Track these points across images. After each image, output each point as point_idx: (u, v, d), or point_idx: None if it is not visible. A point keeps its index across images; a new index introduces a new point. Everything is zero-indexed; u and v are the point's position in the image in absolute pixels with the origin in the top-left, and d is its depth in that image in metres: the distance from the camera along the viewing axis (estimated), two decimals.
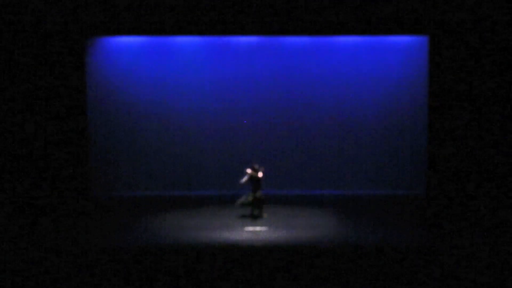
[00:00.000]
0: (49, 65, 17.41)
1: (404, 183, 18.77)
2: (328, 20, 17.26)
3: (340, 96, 18.76)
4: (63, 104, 17.54)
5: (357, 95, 18.73)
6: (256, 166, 15.89)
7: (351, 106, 18.78)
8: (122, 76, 18.65)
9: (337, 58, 18.68)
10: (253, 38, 18.62)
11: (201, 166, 18.94)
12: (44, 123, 17.51)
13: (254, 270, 11.67)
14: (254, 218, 15.73)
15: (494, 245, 13.09)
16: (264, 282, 11.13)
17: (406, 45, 18.49)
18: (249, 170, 15.84)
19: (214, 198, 18.35)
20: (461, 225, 14.84)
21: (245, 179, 15.82)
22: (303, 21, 17.30)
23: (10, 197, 17.32)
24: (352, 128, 18.85)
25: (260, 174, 15.81)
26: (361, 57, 18.63)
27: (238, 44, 18.72)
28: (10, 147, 17.48)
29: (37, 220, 15.62)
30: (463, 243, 13.26)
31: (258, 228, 14.73)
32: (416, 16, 17.17)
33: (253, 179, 15.79)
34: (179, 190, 18.83)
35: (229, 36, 18.45)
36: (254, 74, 18.75)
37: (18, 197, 17.35)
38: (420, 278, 11.24)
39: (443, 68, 17.47)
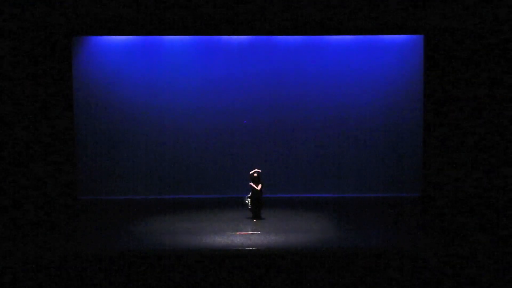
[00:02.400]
0: (35, 64, 17.28)
1: (400, 185, 18.62)
2: (322, 20, 17.23)
3: (334, 97, 18.61)
4: (49, 104, 17.44)
5: (351, 95, 18.59)
6: (255, 174, 16.01)
7: (345, 107, 18.62)
8: (111, 76, 18.44)
9: (331, 58, 18.55)
10: (245, 38, 18.46)
11: (193, 168, 18.70)
12: (30, 124, 17.38)
13: (244, 274, 11.62)
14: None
15: (491, 246, 13.02)
16: (255, 286, 11.16)
17: (401, 44, 18.42)
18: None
19: (205, 201, 18.19)
20: (458, 227, 14.77)
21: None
22: (297, 20, 17.25)
23: None
24: (346, 128, 18.68)
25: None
26: (356, 56, 18.51)
27: (230, 43, 18.55)
28: None
29: (23, 223, 15.46)
30: (460, 244, 13.13)
31: (250, 232, 14.60)
32: (411, 15, 17.18)
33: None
34: (171, 194, 18.62)
35: (220, 36, 18.27)
36: (247, 74, 18.58)
37: (3, 199, 17.20)
38: (415, 280, 11.31)
39: (438, 68, 17.53)
